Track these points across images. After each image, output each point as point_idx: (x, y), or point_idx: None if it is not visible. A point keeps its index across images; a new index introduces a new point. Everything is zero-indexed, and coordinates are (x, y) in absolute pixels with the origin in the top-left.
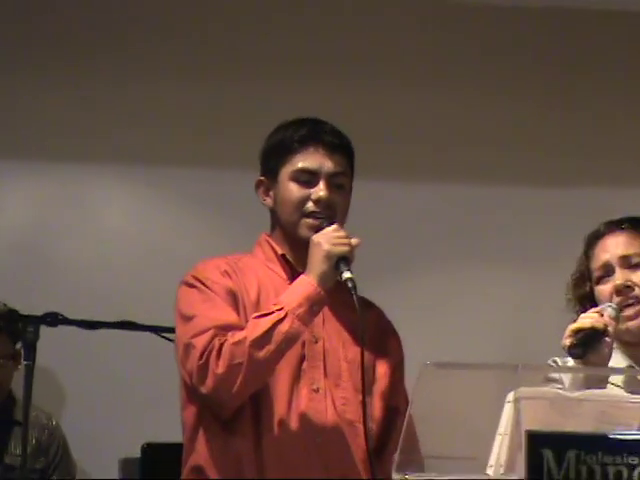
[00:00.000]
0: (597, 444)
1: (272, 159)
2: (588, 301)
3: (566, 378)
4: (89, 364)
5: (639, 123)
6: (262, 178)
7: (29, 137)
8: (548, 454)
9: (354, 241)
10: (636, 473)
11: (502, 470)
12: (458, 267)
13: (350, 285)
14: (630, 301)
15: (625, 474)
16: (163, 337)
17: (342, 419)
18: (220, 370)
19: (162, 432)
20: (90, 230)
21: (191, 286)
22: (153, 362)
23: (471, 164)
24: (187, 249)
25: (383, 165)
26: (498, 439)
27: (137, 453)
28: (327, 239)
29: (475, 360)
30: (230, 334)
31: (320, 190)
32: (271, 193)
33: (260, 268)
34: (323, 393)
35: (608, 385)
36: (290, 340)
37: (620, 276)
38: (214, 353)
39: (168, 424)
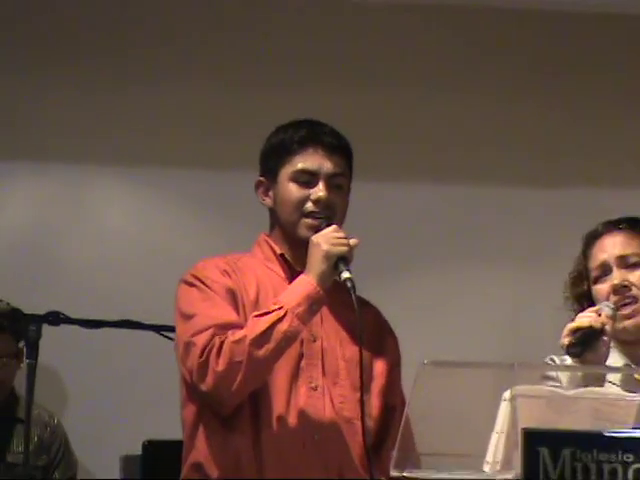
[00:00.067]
0: (592, 442)
1: (272, 160)
2: (586, 300)
3: (564, 376)
4: (91, 362)
5: (637, 124)
6: (261, 178)
7: (30, 137)
8: (544, 452)
9: (353, 241)
10: (631, 470)
11: (498, 467)
12: (457, 267)
13: (349, 285)
14: (627, 300)
15: (620, 471)
16: (164, 336)
17: (340, 417)
18: (220, 368)
19: (163, 430)
20: (91, 230)
21: (191, 285)
22: (154, 361)
23: (470, 165)
24: (187, 249)
25: (383, 166)
26: (494, 437)
27: (138, 450)
28: (326, 239)
29: (474, 359)
30: (230, 332)
31: (319, 191)
32: (270, 193)
33: (259, 267)
34: (321, 391)
35: (606, 383)
36: (289, 339)
37: (617, 276)
38: (214, 351)
39: (169, 422)
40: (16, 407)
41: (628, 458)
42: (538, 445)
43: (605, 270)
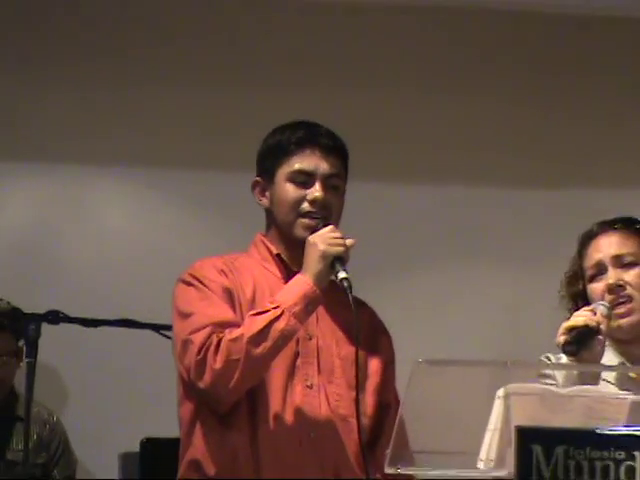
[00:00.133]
0: (585, 439)
1: (269, 160)
2: (581, 299)
3: (559, 374)
4: (90, 361)
5: (637, 125)
6: (258, 179)
7: (30, 138)
8: (537, 449)
9: (349, 241)
10: (623, 468)
11: (492, 465)
12: (457, 267)
13: (346, 285)
14: (622, 299)
15: (612, 469)
16: (162, 335)
17: (335, 414)
18: (218, 366)
19: (161, 427)
20: (91, 230)
21: (189, 284)
22: (152, 359)
23: (469, 165)
24: (186, 249)
25: (383, 166)
26: (488, 434)
27: (136, 448)
28: (323, 239)
29: (472, 357)
30: (227, 331)
31: (316, 191)
32: (267, 193)
33: (256, 267)
34: (317, 389)
35: (601, 382)
36: (286, 337)
37: (612, 275)
38: (212, 349)
39: (167, 420)
40: (16, 405)
41: (620, 455)
42: (531, 443)
43: (600, 269)
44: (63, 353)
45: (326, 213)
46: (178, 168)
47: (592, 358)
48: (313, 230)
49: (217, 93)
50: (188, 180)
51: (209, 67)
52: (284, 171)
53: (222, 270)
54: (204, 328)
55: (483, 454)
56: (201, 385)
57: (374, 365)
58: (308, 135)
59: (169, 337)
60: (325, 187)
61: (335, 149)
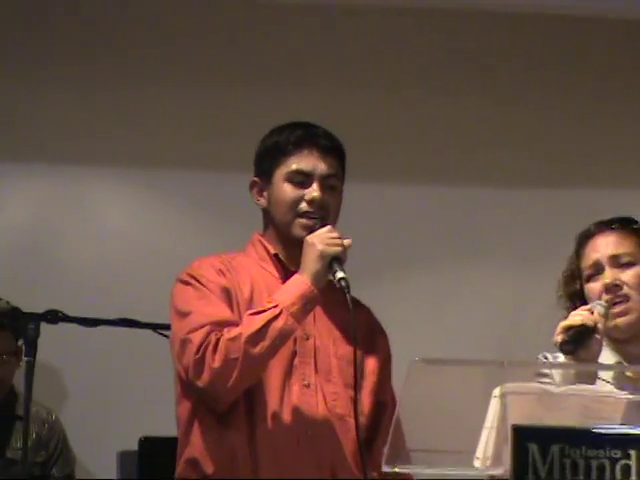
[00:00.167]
0: (581, 438)
1: (267, 161)
2: (578, 298)
3: (557, 373)
4: (88, 360)
5: (637, 125)
6: (256, 179)
7: (30, 139)
8: (533, 448)
9: (347, 242)
10: (618, 466)
11: (489, 463)
12: (456, 267)
13: (344, 284)
14: (618, 299)
15: (608, 467)
16: (161, 334)
17: (332, 413)
18: (216, 364)
19: (159, 426)
20: (90, 231)
21: (187, 283)
22: (151, 358)
23: (469, 165)
24: (186, 249)
25: (382, 166)
26: (485, 433)
27: (135, 446)
28: (321, 239)
29: (471, 357)
30: (226, 330)
31: (314, 191)
32: (265, 193)
33: (253, 267)
34: (314, 388)
35: (599, 381)
36: (284, 336)
37: (609, 275)
38: (210, 348)
39: (165, 419)
40: (15, 404)
41: (615, 454)
42: (527, 441)
43: (597, 269)
44: (62, 352)
45: (324, 213)
46: (178, 168)
47: (589, 357)
48: (311, 230)
49: (217, 93)
50: (188, 180)
51: (209, 67)
52: (282, 171)
53: (220, 270)
54: (202, 327)
55: (480, 452)
56: (200, 384)
57: (371, 365)
58: (306, 135)
59: (167, 336)
60: (323, 187)
61: (333, 150)
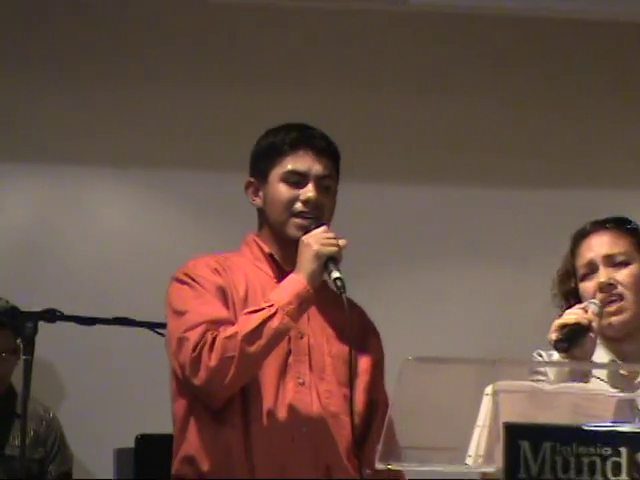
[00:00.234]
0: (572, 436)
1: (262, 161)
2: (573, 297)
3: (551, 371)
4: (85, 358)
5: (636, 125)
6: (252, 179)
7: (29, 139)
8: (525, 445)
9: (342, 242)
10: (609, 463)
11: (481, 460)
12: (455, 267)
13: (339, 284)
14: (612, 298)
15: (599, 464)
16: (157, 333)
17: (327, 411)
18: (213, 363)
19: (155, 424)
20: (89, 231)
21: (183, 283)
22: (147, 357)
23: (468, 165)
24: (185, 249)
25: (382, 166)
26: (477, 431)
27: (131, 444)
28: (316, 240)
29: (469, 355)
30: (222, 329)
31: (309, 191)
32: (260, 193)
33: (248, 266)
34: (308, 386)
35: (592, 379)
36: (280, 335)
37: (604, 274)
38: (207, 346)
39: (161, 416)
40: (14, 402)
41: (606, 451)
42: (519, 439)
43: (592, 268)
44: (59, 351)
45: (318, 213)
46: (178, 168)
47: (583, 355)
48: (306, 230)
49: (217, 93)
50: (188, 180)
51: (209, 67)
52: (277, 171)
53: (215, 269)
54: (199, 326)
55: (472, 450)
56: (196, 382)
57: (364, 364)
58: (302, 136)
59: (164, 335)
60: (318, 188)
61: (328, 151)
